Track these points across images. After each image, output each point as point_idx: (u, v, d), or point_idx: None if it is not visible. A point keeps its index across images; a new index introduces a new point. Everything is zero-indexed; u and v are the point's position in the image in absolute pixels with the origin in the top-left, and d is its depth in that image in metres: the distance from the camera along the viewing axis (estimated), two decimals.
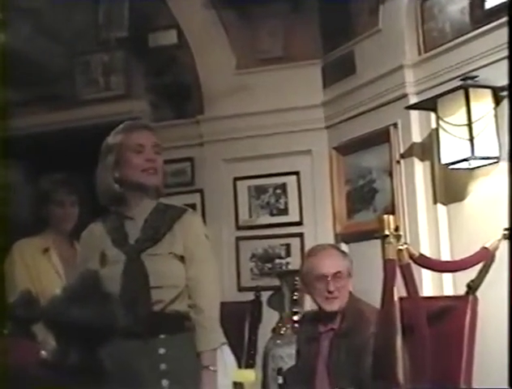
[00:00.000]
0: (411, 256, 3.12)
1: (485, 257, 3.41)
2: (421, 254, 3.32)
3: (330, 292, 3.52)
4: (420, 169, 4.02)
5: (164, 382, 2.89)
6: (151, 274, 2.93)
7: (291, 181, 4.90)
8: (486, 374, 3.48)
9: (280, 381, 3.89)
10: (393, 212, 3.94)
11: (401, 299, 3.09)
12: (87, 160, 3.21)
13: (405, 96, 4.08)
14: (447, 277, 3.80)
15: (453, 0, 3.85)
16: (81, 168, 3.50)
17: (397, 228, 3.29)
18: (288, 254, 4.83)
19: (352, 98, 4.52)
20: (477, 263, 3.32)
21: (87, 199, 3.82)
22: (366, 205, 4.42)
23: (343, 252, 3.78)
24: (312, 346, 3.61)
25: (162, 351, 2.91)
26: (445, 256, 3.82)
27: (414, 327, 3.14)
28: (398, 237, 3.11)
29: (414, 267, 3.26)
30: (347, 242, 4.59)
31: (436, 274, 3.80)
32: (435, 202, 3.90)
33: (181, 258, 3.00)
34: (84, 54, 5.41)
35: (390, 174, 4.19)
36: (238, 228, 5.02)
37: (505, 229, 3.41)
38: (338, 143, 4.68)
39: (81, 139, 4.63)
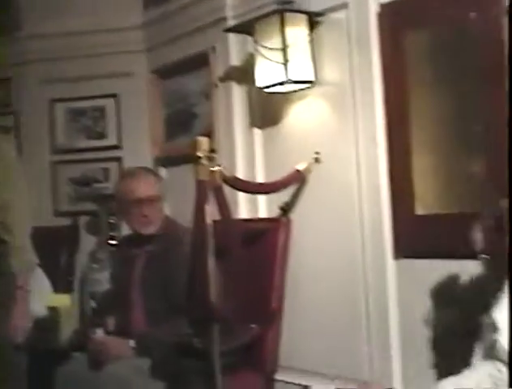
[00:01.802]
0: (224, 178, 3.14)
1: (297, 179, 3.49)
2: (234, 176, 3.35)
3: (144, 216, 3.50)
4: (238, 93, 4.03)
5: None
6: None
7: (109, 104, 4.81)
8: (297, 289, 3.60)
9: (93, 305, 3.87)
10: (210, 136, 3.94)
11: (215, 221, 3.11)
12: None
13: (224, 19, 4.05)
14: (262, 200, 3.87)
15: None
16: None
17: (213, 151, 3.30)
18: (106, 178, 4.76)
19: (172, 20, 4.45)
20: (289, 185, 3.39)
21: None
22: (184, 129, 4.40)
23: (156, 175, 3.76)
24: (127, 269, 3.60)
25: None
26: (261, 179, 3.88)
27: (227, 249, 3.18)
28: (211, 159, 3.11)
29: (229, 190, 3.30)
30: (165, 166, 4.58)
31: (252, 197, 3.87)
32: (251, 125, 3.94)
33: None
34: None
35: (209, 98, 4.19)
36: (55, 151, 4.89)
37: (316, 153, 3.50)
38: (157, 66, 4.62)
39: None
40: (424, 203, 3.13)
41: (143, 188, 3.54)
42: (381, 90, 3.28)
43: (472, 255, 2.80)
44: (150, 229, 3.54)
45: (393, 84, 3.24)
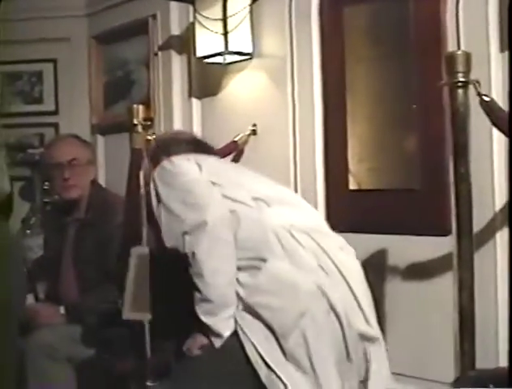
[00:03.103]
0: None
1: (233, 150, 3.49)
2: None
3: (65, 179, 3.48)
4: (178, 63, 3.99)
5: None
6: None
7: (47, 68, 4.72)
8: None
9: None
10: (148, 104, 3.91)
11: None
12: None
13: None
14: None
15: None
16: None
17: (149, 119, 3.28)
18: (42, 144, 4.67)
19: None
20: (225, 156, 3.38)
21: None
22: (123, 96, 4.35)
23: (83, 141, 3.71)
24: (58, 236, 3.57)
25: None
26: None
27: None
28: (147, 128, 3.09)
29: None
30: (103, 134, 4.52)
31: None
32: (190, 95, 3.91)
33: None
34: None
35: (148, 66, 4.15)
36: None
37: (253, 125, 3.50)
38: (97, 31, 4.54)
39: None
40: (358, 179, 3.16)
41: (64, 152, 3.52)
42: (320, 64, 3.29)
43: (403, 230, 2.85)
44: (72, 193, 3.50)
45: (332, 58, 3.25)
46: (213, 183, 2.37)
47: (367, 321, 2.34)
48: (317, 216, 2.63)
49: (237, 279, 2.27)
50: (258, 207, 2.37)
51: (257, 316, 2.22)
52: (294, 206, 2.50)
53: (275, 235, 2.30)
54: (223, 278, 2.25)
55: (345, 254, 2.43)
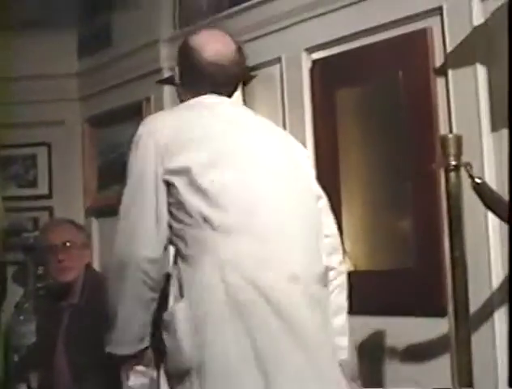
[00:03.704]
0: None
1: None
2: None
3: (60, 261, 3.46)
4: None
5: None
6: None
7: (41, 152, 4.74)
8: None
9: (16, 359, 3.77)
10: None
11: None
12: None
13: (159, 70, 4.07)
14: None
15: None
16: None
17: None
18: (36, 227, 4.67)
19: (107, 70, 4.45)
20: None
21: None
22: (117, 179, 4.35)
23: (78, 225, 3.71)
24: (51, 322, 3.52)
25: None
26: None
27: None
28: None
29: None
30: (96, 217, 4.51)
31: None
32: None
33: None
34: None
35: None
36: None
37: None
38: (91, 115, 4.58)
39: None
40: (354, 260, 3.14)
41: (59, 235, 3.52)
42: (313, 146, 3.31)
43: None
44: (67, 276, 3.47)
45: (325, 141, 3.28)
46: None
47: None
48: None
49: None
50: None
51: None
52: None
53: None
54: None
55: None
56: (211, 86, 2.35)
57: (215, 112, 2.30)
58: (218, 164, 2.17)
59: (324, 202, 2.38)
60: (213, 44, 2.35)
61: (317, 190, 2.36)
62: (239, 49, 2.39)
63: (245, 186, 2.16)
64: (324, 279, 2.24)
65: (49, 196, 4.73)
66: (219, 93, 2.36)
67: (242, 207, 2.13)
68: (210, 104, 2.33)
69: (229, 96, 2.39)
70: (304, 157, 2.41)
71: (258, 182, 2.19)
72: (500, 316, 2.67)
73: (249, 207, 2.14)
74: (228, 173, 2.16)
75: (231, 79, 2.38)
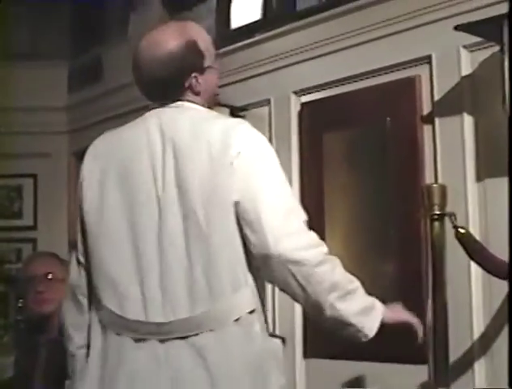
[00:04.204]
0: None
1: None
2: None
3: (39, 292, 3.43)
4: None
5: None
6: None
7: (27, 183, 4.74)
8: None
9: None
10: None
11: None
12: None
13: (147, 107, 4.05)
14: None
15: (200, 17, 3.90)
16: None
17: None
18: (19, 259, 4.65)
19: (97, 104, 4.46)
20: None
21: None
22: None
23: (61, 259, 3.69)
24: (29, 356, 3.49)
25: None
26: None
27: None
28: None
29: None
30: None
31: None
32: None
33: None
34: None
35: None
36: None
37: None
38: (78, 148, 4.57)
39: None
40: None
41: (40, 266, 3.50)
42: (299, 186, 3.31)
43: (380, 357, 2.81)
44: (46, 308, 3.43)
45: (310, 182, 3.28)
46: None
47: None
48: None
49: None
50: None
51: None
52: None
53: None
54: None
55: None
56: (145, 95, 2.17)
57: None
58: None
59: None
60: (141, 45, 2.08)
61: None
62: (188, 45, 2.06)
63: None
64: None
65: (34, 228, 4.72)
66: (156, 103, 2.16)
67: None
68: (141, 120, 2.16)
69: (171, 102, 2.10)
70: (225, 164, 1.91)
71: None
72: (480, 367, 2.66)
73: None
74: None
75: (154, 83, 2.10)
